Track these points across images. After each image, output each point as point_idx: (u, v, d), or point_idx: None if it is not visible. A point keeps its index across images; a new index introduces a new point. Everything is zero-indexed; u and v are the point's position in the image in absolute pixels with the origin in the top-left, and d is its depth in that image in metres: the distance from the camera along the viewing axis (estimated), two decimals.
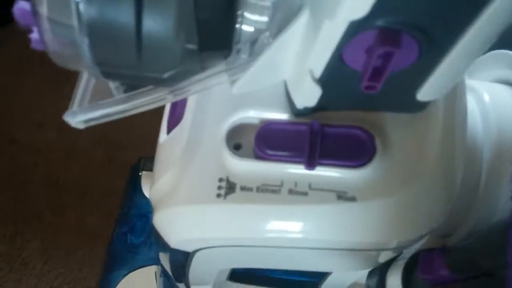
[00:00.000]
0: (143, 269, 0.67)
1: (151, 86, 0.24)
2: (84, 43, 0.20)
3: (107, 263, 0.71)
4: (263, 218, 0.27)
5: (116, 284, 0.68)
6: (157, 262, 0.66)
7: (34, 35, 0.22)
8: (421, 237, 0.28)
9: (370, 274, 0.37)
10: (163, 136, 0.33)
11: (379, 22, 0.20)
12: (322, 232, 0.27)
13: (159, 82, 0.24)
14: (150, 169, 0.81)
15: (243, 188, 0.27)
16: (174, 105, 0.34)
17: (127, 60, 0.21)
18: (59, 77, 0.93)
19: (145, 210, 0.73)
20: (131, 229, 0.71)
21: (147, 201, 0.75)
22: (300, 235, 0.27)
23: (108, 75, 0.23)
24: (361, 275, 0.39)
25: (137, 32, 0.20)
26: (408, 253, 0.34)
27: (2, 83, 0.93)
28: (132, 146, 0.85)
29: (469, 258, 0.24)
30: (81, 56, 0.21)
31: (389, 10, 0.19)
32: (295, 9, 0.23)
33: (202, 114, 0.29)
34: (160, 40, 0.21)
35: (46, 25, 0.21)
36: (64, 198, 0.81)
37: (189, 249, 0.31)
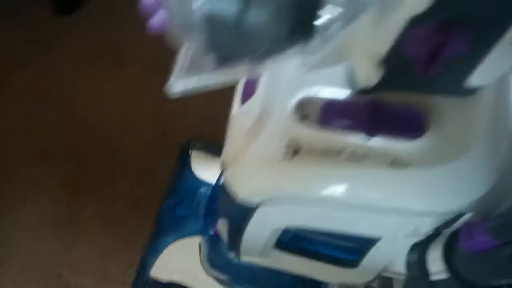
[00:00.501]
0: (188, 239, 0.73)
1: (240, 63, 0.29)
2: (200, 26, 0.26)
3: (155, 230, 0.77)
4: (323, 178, 0.32)
5: (162, 250, 0.74)
6: (202, 233, 0.71)
7: (155, 20, 0.28)
8: (467, 207, 0.31)
9: (411, 250, 0.40)
10: (236, 108, 0.38)
11: (435, 16, 0.23)
12: (375, 196, 0.31)
13: (251, 59, 0.28)
14: (199, 149, 0.86)
15: (307, 152, 0.31)
16: (248, 82, 0.39)
17: (232, 41, 0.26)
18: (117, 60, 1.01)
19: (193, 186, 0.78)
20: (179, 202, 0.77)
21: (195, 178, 0.81)
22: (354, 196, 0.31)
23: (212, 50, 0.28)
24: (394, 257, 0.42)
25: (242, 20, 0.25)
26: (448, 232, 0.37)
27: (65, 65, 1.01)
28: (184, 128, 0.91)
29: (510, 222, 0.27)
30: (195, 36, 0.27)
31: (444, 6, 0.23)
32: (365, 1, 0.27)
33: (274, 89, 0.34)
34: (261, 26, 0.26)
35: (170, 12, 0.26)
36: (118, 171, 0.88)
37: (253, 202, 0.35)
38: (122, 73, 1.00)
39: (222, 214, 0.46)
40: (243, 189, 0.35)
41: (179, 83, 0.29)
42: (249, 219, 0.38)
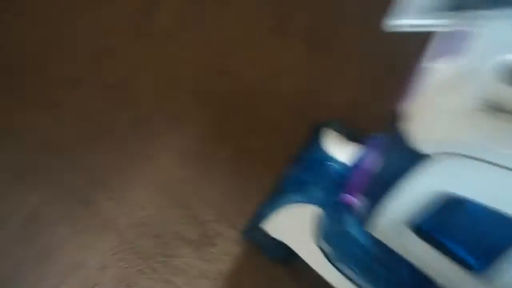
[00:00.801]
0: (305, 205, 0.75)
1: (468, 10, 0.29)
2: None
3: (276, 188, 0.82)
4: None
5: (279, 208, 0.78)
6: (321, 203, 0.73)
7: None
8: None
9: None
10: (430, 60, 0.37)
11: None
12: None
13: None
14: (334, 128, 0.88)
15: (507, 111, 0.29)
16: (447, 37, 0.37)
17: None
18: (282, 31, 1.07)
19: (321, 158, 0.80)
20: (305, 169, 0.80)
21: (324, 153, 0.83)
22: None
23: None
24: None
25: None
26: None
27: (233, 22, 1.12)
28: (326, 107, 0.94)
29: None
30: None
31: None
32: None
33: (483, 47, 0.32)
34: None
35: None
36: (255, 127, 0.95)
37: (431, 151, 0.34)
38: (283, 44, 1.06)
39: (378, 178, 0.46)
40: (426, 135, 0.34)
41: (406, 19, 0.29)
42: (416, 173, 0.36)
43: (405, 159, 0.36)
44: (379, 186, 0.43)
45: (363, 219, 0.50)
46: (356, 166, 0.59)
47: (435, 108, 0.33)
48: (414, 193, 0.38)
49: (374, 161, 0.47)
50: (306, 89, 0.99)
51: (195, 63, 1.07)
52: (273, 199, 0.80)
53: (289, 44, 1.05)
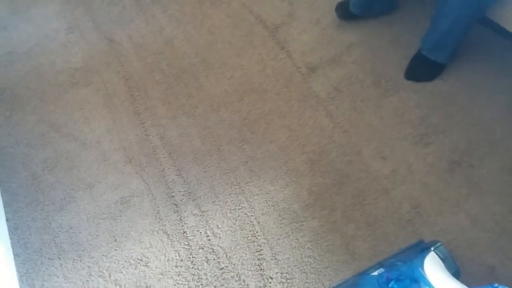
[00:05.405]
0: None
1: None
2: None
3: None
4: None
5: None
6: None
7: None
8: None
9: None
10: None
11: None
12: None
13: None
14: (436, 250, 0.81)
15: None
16: None
17: None
18: None
19: (416, 277, 0.73)
20: (396, 279, 0.74)
21: (421, 274, 0.76)
22: None
23: None
24: None
25: None
26: None
27: None
28: (433, 226, 0.89)
29: None
30: None
31: None
32: None
33: None
34: None
35: None
36: (352, 218, 0.94)
37: None
38: (423, 153, 1.04)
39: None
40: None
41: None
42: None
43: None
44: None
45: None
46: None
47: None
48: None
49: None
50: (425, 202, 0.94)
51: (337, 144, 1.08)
52: None
53: (428, 156, 1.02)
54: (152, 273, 0.93)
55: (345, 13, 1.27)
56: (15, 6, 1.49)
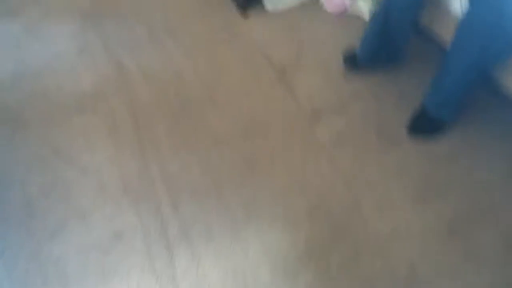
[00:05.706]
0: None
1: None
2: None
3: None
4: None
5: None
6: None
7: None
8: None
9: None
10: None
11: None
12: None
13: None
14: None
15: None
16: None
17: None
18: None
19: None
20: None
21: None
22: None
23: None
24: None
25: None
26: None
27: None
28: None
29: None
30: None
31: None
32: None
33: None
34: None
35: None
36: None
37: None
38: (423, 211, 1.02)
39: None
40: None
41: None
42: None
43: None
44: None
45: None
46: None
47: None
48: None
49: None
50: (422, 264, 0.92)
51: (333, 196, 1.08)
52: None
53: (428, 216, 1.00)
54: None
55: (353, 66, 1.30)
56: (30, 22, 1.50)
